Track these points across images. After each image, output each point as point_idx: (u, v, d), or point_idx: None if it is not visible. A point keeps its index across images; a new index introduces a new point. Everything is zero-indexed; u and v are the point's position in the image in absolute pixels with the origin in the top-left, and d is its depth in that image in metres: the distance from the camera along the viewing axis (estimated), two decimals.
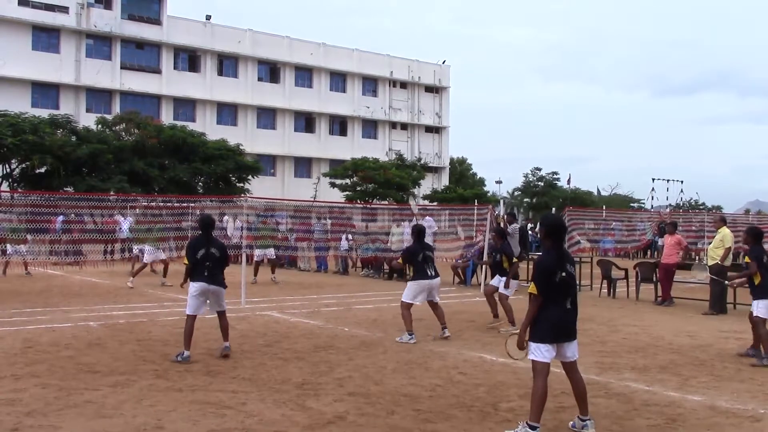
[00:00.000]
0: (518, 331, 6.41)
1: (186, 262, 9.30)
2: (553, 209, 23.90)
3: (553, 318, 6.11)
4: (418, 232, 11.21)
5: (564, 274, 6.15)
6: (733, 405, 7.24)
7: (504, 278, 12.05)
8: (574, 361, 6.32)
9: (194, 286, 9.19)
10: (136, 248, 18.91)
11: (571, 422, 6.34)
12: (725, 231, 15.22)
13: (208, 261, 9.14)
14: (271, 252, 19.61)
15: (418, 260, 10.82)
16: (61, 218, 19.57)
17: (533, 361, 6.16)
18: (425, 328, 11.98)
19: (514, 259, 12.35)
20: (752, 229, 10.49)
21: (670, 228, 17.20)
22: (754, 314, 9.55)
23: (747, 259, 9.67)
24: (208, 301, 9.34)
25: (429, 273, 10.79)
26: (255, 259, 19.51)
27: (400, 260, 11.55)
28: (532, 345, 6.17)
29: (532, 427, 5.95)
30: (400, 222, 22.43)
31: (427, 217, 21.90)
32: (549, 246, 6.29)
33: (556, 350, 6.18)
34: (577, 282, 19.85)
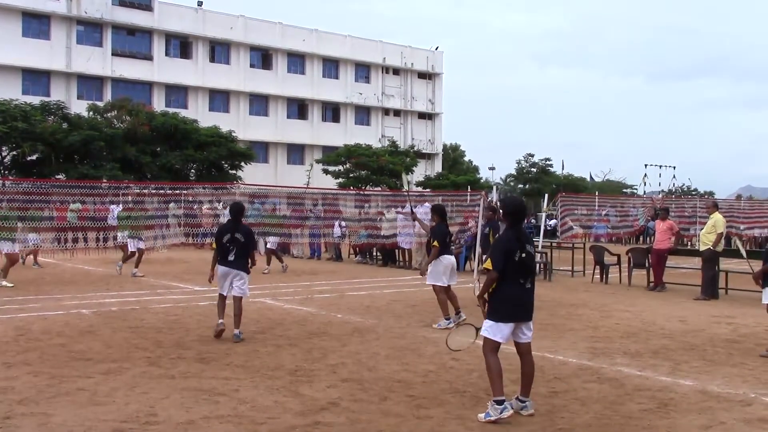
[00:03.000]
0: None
1: (214, 246, 9.87)
2: (546, 195, 23.88)
3: (514, 297, 6.27)
4: (442, 211, 11.13)
5: (524, 254, 6.29)
6: (725, 389, 7.27)
7: None
8: (529, 342, 6.43)
9: (218, 269, 9.70)
10: (119, 236, 18.24)
11: (508, 402, 6.14)
12: (717, 216, 15.26)
13: (232, 245, 9.57)
14: (275, 240, 19.40)
15: (445, 240, 10.86)
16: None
17: (489, 339, 6.26)
18: (417, 313, 12.01)
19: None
20: None
21: (662, 213, 17.24)
22: None
23: None
24: (232, 284, 9.69)
25: (450, 250, 11.17)
26: (269, 246, 19.34)
27: (436, 243, 10.61)
28: (491, 324, 6.26)
29: (498, 402, 6.03)
30: (391, 208, 22.40)
31: (425, 203, 21.86)
32: (509, 226, 6.48)
33: (513, 330, 6.30)
34: (570, 268, 19.83)
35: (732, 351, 9.25)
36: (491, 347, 6.25)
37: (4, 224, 15.80)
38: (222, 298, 9.75)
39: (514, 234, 6.36)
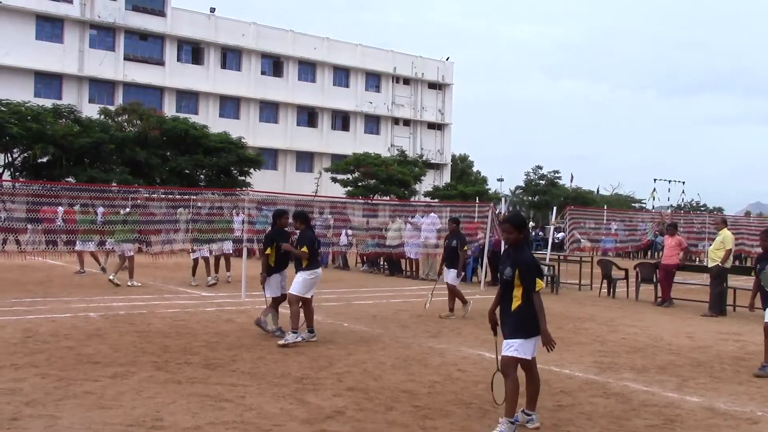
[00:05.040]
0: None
1: (268, 252, 10.31)
2: (554, 208, 23.87)
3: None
4: (303, 216, 10.55)
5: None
6: (731, 407, 7.25)
7: (453, 269, 12.99)
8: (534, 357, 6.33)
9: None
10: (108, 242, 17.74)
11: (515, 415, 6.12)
12: (726, 233, 15.24)
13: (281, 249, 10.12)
14: (228, 246, 18.02)
15: (314, 246, 10.33)
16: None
17: (522, 359, 6.09)
18: (423, 323, 12.01)
19: (465, 248, 13.43)
20: None
21: (670, 229, 17.21)
22: None
23: None
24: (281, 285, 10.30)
25: (319, 262, 10.97)
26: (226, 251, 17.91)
27: (305, 248, 10.12)
28: (532, 342, 6.12)
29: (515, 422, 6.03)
30: (397, 218, 22.42)
31: (432, 214, 21.88)
32: (523, 242, 6.29)
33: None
34: (578, 281, 19.78)
35: (739, 368, 9.21)
36: (533, 363, 6.24)
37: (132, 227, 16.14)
38: (276, 301, 10.28)
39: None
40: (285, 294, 10.25)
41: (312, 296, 10.12)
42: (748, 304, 9.67)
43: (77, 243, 17.73)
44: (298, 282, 9.85)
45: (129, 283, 16.03)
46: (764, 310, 9.08)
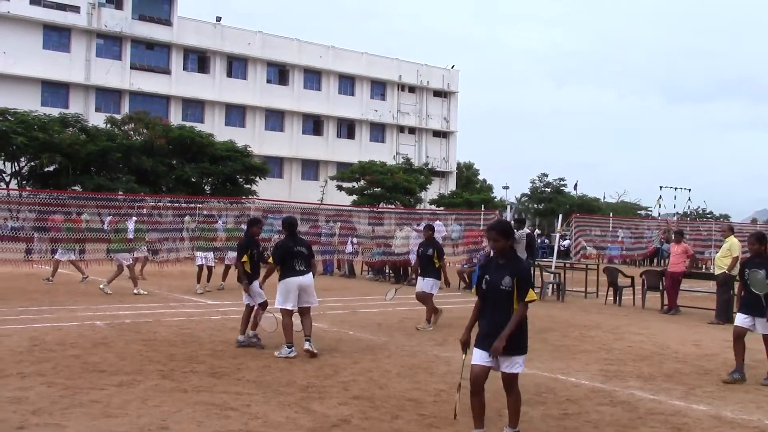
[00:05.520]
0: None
1: (271, 261, 9.91)
2: (560, 216, 23.89)
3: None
4: (288, 223, 10.38)
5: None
6: (738, 415, 7.22)
7: (429, 278, 12.65)
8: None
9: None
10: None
11: None
12: (733, 240, 15.20)
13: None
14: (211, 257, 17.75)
15: (285, 258, 10.03)
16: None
17: (519, 375, 5.95)
18: (429, 332, 12.00)
19: (444, 257, 13.01)
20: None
21: (677, 236, 17.19)
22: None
23: None
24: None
25: (298, 270, 10.05)
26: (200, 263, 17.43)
27: (271, 259, 10.23)
28: (523, 358, 5.93)
29: None
30: (404, 226, 22.42)
31: (437, 222, 21.90)
32: (513, 251, 6.05)
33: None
34: (584, 289, 19.66)
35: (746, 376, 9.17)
36: (517, 381, 6.03)
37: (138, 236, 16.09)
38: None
39: None
40: (266, 300, 10.24)
41: (294, 308, 9.55)
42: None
43: (58, 251, 17.71)
44: (277, 293, 9.68)
45: (135, 291, 16.03)
46: (737, 313, 9.15)
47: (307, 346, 9.38)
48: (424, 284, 12.79)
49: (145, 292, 16.19)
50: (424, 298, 12.73)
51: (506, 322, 5.75)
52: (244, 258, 10.28)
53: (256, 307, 10.26)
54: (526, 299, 5.77)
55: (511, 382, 5.94)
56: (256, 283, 10.27)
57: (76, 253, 18.19)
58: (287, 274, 9.56)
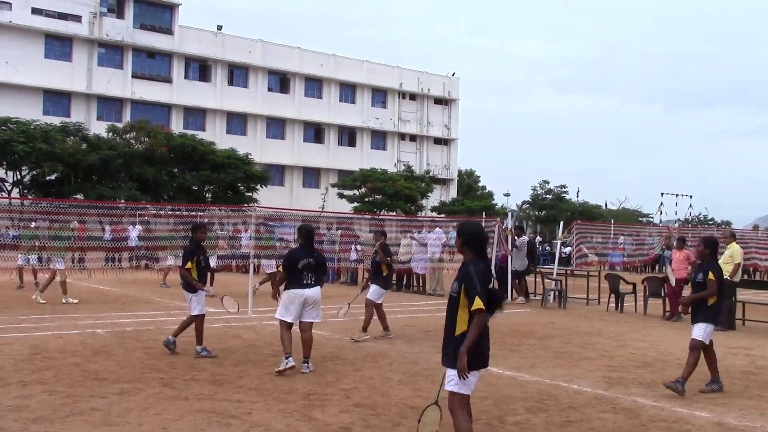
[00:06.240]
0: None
1: (280, 269, 9.44)
2: (561, 222, 23.86)
3: (486, 340, 5.28)
4: (304, 231, 9.98)
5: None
6: (741, 422, 7.19)
7: (374, 285, 12.09)
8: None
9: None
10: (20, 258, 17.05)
11: None
12: (735, 247, 15.18)
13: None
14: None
15: (292, 268, 9.62)
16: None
17: (462, 395, 5.20)
18: (430, 339, 11.97)
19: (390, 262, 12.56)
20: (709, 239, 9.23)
21: (679, 243, 17.17)
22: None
23: (711, 276, 8.58)
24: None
25: (305, 284, 9.63)
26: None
27: (280, 268, 9.94)
28: (477, 375, 5.20)
29: None
30: (406, 233, 22.39)
31: (437, 229, 21.88)
32: (478, 256, 5.34)
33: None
34: (585, 296, 19.62)
35: (749, 383, 9.15)
36: (463, 403, 5.25)
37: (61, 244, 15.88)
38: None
39: (486, 266, 5.35)
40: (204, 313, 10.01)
41: (293, 321, 9.13)
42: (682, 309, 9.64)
43: (20, 258, 17.49)
44: (280, 304, 9.35)
45: (63, 300, 15.40)
46: (693, 324, 8.84)
47: (304, 369, 8.93)
48: (370, 291, 12.27)
49: (76, 301, 15.63)
50: (366, 304, 12.11)
51: (451, 331, 5.22)
52: (189, 264, 9.95)
53: (191, 317, 10.00)
54: (471, 308, 5.07)
55: (449, 401, 5.27)
56: (201, 293, 10.00)
57: (33, 260, 17.77)
58: (292, 285, 9.08)
